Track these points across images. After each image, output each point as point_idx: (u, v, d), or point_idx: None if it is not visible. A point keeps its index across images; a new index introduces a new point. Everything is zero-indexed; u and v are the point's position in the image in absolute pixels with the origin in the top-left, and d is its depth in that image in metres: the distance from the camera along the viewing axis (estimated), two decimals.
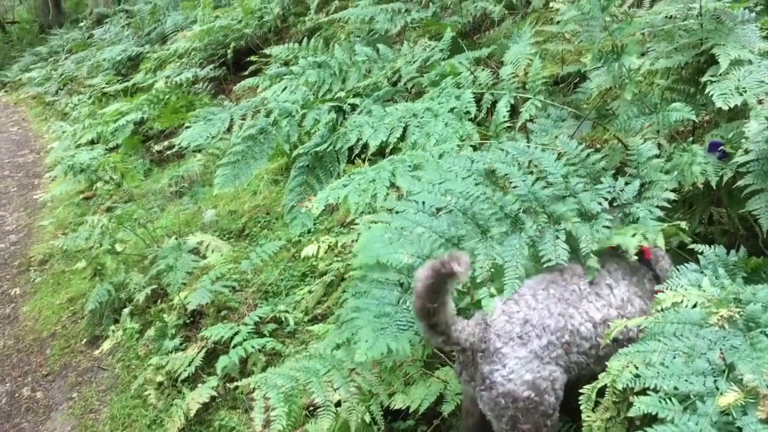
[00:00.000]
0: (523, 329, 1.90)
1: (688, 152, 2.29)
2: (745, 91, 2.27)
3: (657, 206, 2.14)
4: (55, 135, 8.72)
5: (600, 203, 2.17)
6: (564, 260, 2.02)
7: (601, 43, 2.79)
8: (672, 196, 2.16)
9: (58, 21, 18.29)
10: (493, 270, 2.05)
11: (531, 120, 3.02)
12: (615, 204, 2.23)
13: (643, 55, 2.97)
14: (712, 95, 2.33)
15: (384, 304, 2.10)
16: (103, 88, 9.66)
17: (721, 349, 1.60)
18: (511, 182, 2.27)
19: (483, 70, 3.64)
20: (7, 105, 13.74)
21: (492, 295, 2.05)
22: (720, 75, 2.37)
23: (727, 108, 2.27)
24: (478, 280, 2.06)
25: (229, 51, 7.73)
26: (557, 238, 2.08)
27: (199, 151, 6.23)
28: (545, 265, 2.06)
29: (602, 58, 2.75)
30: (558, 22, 3.76)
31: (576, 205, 2.17)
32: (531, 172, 2.34)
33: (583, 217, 2.15)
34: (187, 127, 4.28)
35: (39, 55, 15.42)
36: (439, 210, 2.24)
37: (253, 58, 6.89)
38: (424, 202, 2.27)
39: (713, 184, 2.20)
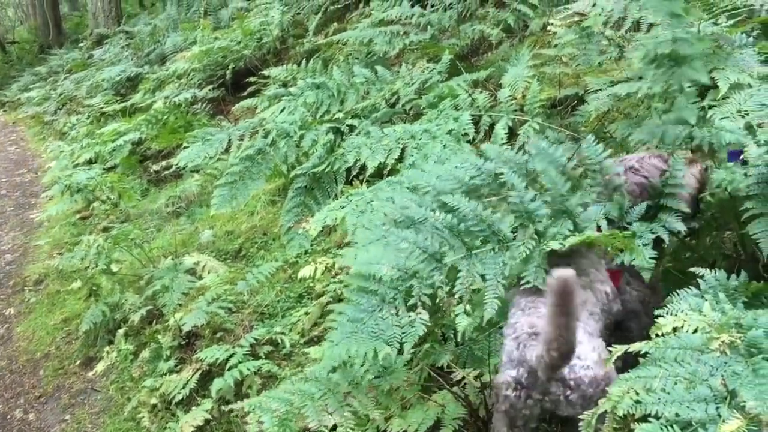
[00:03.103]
0: None
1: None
2: (747, 114, 2.27)
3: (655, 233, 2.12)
4: (53, 154, 8.72)
5: (599, 225, 2.14)
6: (541, 283, 2.01)
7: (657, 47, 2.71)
8: (683, 228, 2.15)
9: (58, 41, 18.40)
10: (472, 288, 2.05)
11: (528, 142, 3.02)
12: (617, 225, 2.21)
13: (640, 78, 2.98)
14: (714, 121, 2.33)
15: (359, 310, 2.11)
16: (102, 108, 9.68)
17: (722, 376, 1.57)
18: (509, 191, 2.24)
19: (481, 92, 3.66)
20: (5, 124, 13.76)
21: (467, 314, 2.05)
22: (720, 99, 2.37)
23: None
24: (456, 297, 2.06)
25: (228, 72, 7.77)
26: (543, 260, 2.06)
27: (197, 171, 6.22)
28: (522, 288, 2.05)
29: (656, 61, 2.67)
30: (556, 45, 3.79)
31: (568, 226, 2.14)
32: (533, 180, 2.29)
33: None
34: (185, 148, 4.28)
35: (38, 75, 15.48)
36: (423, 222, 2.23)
37: (251, 79, 6.92)
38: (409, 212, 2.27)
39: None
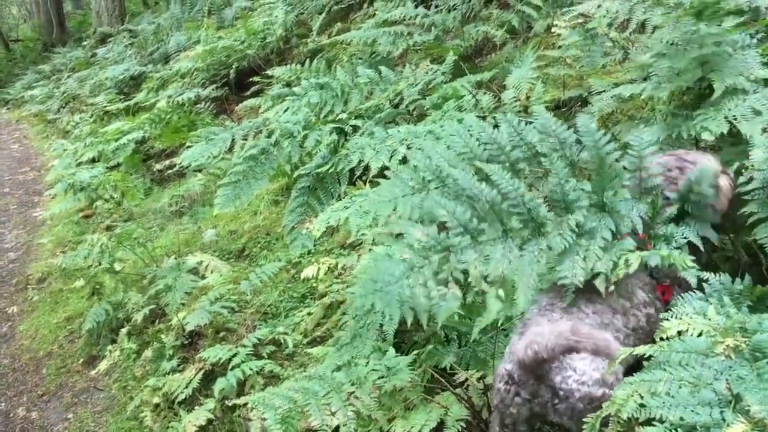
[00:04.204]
0: None
1: None
2: (735, 119, 2.27)
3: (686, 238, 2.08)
4: (56, 153, 8.73)
5: (634, 223, 2.09)
6: (580, 282, 1.95)
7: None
8: (714, 236, 2.11)
9: (62, 39, 18.43)
10: (506, 273, 1.96)
11: None
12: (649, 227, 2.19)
13: (645, 80, 2.98)
14: (704, 125, 2.32)
15: (386, 273, 1.98)
16: (105, 106, 9.69)
17: (727, 380, 1.57)
18: (549, 173, 2.14)
19: (485, 93, 3.66)
20: (9, 122, 13.79)
21: (499, 298, 1.98)
22: (713, 102, 2.36)
23: (712, 138, 2.26)
24: (488, 280, 1.97)
25: (231, 71, 7.77)
26: (577, 254, 2.00)
27: (200, 170, 6.23)
28: (559, 282, 1.97)
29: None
30: (560, 46, 3.80)
31: (609, 225, 2.06)
32: (572, 164, 2.18)
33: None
34: (189, 147, 4.29)
35: (42, 73, 15.51)
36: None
37: (255, 78, 6.93)
38: (457, 179, 2.13)
39: None
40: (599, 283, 1.94)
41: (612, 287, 1.94)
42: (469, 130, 2.39)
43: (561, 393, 1.82)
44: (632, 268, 1.90)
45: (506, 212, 2.06)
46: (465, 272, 1.99)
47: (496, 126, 2.38)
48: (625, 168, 2.21)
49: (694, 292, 2.03)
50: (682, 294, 2.12)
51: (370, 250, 3.39)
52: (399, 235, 2.07)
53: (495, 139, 2.29)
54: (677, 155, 2.31)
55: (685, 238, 2.11)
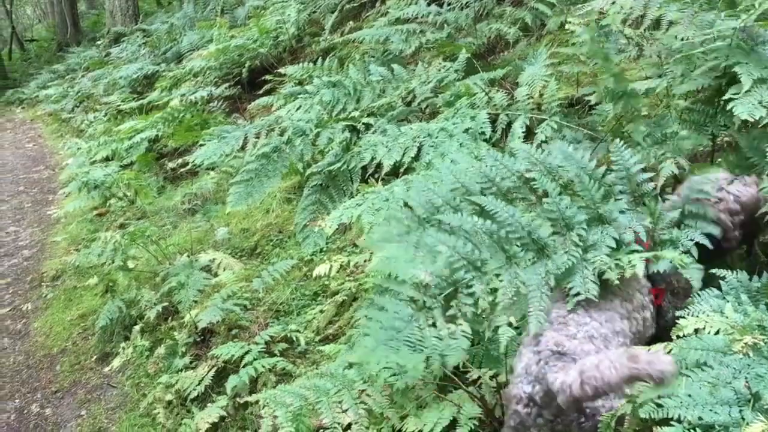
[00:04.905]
0: None
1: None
2: None
3: (693, 240, 2.06)
4: (70, 151, 8.79)
5: (636, 231, 2.07)
6: (594, 295, 1.92)
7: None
8: (716, 231, 2.08)
9: (76, 39, 18.58)
10: (515, 298, 1.94)
11: (546, 141, 3.00)
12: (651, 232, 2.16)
13: (660, 77, 2.96)
14: (733, 108, 2.29)
15: (394, 318, 1.96)
16: (119, 105, 9.75)
17: (746, 378, 1.55)
18: (543, 197, 2.15)
19: (498, 91, 3.64)
20: (23, 121, 13.92)
21: (510, 325, 1.94)
22: (743, 93, 2.32)
23: (752, 120, 2.22)
24: (499, 308, 1.95)
25: (244, 70, 7.78)
26: (586, 269, 1.97)
27: (213, 168, 6.24)
28: (575, 299, 1.94)
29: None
30: (573, 44, 3.76)
31: (612, 233, 2.05)
32: (565, 186, 2.19)
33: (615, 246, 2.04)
34: (201, 145, 4.30)
35: (56, 73, 15.66)
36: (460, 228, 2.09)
37: (267, 77, 6.93)
38: (448, 222, 2.13)
39: None
40: (611, 277, 1.92)
41: (617, 288, 1.92)
42: (458, 167, 2.38)
43: (588, 411, 1.78)
44: (639, 269, 1.87)
45: (506, 240, 2.05)
46: (474, 305, 1.97)
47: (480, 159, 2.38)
48: (616, 184, 2.22)
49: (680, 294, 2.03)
50: (672, 300, 2.12)
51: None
52: (397, 278, 2.02)
53: (484, 172, 2.28)
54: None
55: (691, 240, 2.08)
